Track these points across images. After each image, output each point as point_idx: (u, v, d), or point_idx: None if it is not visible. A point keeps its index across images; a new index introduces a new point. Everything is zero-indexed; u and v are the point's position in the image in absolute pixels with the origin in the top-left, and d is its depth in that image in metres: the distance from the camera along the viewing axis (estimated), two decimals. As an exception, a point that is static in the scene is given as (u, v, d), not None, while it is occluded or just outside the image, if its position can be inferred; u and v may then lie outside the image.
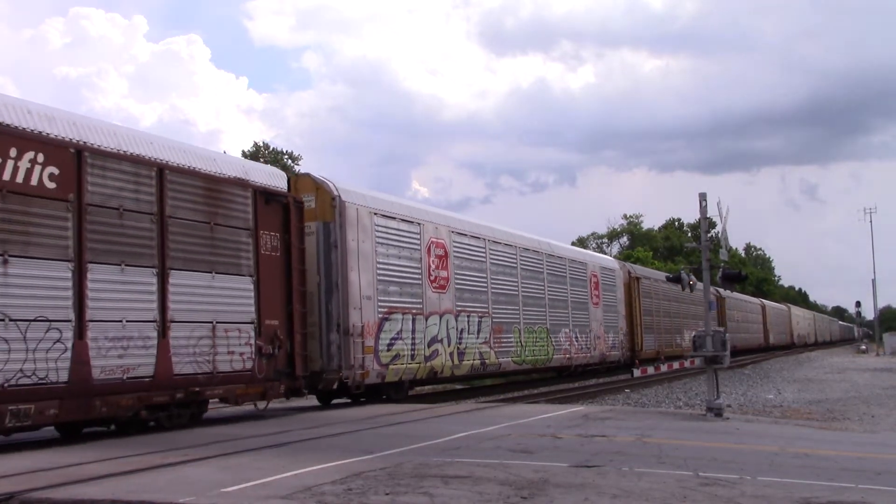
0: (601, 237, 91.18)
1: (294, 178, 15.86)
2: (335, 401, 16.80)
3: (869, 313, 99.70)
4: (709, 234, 14.49)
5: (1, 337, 9.40)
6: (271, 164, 37.85)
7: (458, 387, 23.62)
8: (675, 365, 16.14)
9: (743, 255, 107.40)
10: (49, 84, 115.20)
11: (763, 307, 62.03)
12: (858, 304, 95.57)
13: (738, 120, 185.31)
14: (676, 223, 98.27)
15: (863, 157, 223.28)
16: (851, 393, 22.05)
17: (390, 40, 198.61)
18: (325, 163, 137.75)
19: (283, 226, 13.96)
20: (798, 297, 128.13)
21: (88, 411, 10.47)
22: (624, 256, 67.64)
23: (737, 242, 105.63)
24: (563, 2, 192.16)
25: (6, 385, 9.35)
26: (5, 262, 9.58)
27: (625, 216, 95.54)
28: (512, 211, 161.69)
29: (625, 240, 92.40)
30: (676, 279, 16.07)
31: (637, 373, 15.80)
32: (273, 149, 56.16)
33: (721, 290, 46.15)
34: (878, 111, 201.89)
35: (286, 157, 55.47)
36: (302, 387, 14.48)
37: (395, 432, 10.93)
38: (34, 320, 9.76)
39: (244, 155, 51.28)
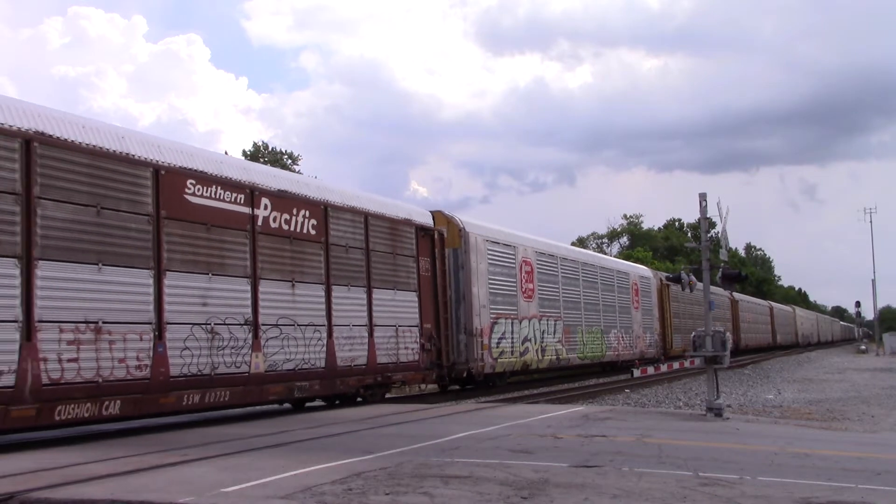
0: (601, 237, 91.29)
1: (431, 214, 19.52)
2: (451, 387, 21.03)
3: (869, 313, 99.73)
4: (709, 234, 14.49)
5: (293, 336, 13.70)
6: (271, 165, 37.87)
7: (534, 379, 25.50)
8: (675, 365, 16.15)
9: (743, 255, 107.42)
10: (47, 84, 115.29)
11: (771, 309, 65.57)
12: (858, 304, 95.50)
13: (736, 119, 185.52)
14: (676, 223, 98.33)
15: (862, 157, 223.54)
16: (851, 393, 22.05)
17: (387, 40, 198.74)
18: (324, 163, 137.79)
19: (432, 252, 18.10)
20: (798, 298, 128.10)
21: (333, 388, 14.84)
22: (624, 256, 67.70)
23: (736, 242, 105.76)
24: (561, 0, 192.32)
25: (296, 368, 13.73)
26: (293, 285, 13.89)
27: (625, 216, 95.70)
28: (511, 211, 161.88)
29: (625, 240, 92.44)
30: (676, 279, 16.07)
31: (637, 373, 15.78)
32: (273, 149, 56.21)
33: (734, 293, 50.75)
34: (878, 111, 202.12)
35: (286, 157, 55.51)
36: (446, 375, 18.95)
37: (396, 432, 10.93)
38: (308, 325, 14.05)
39: (244, 155, 51.30)
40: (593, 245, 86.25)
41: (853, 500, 6.41)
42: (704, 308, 14.58)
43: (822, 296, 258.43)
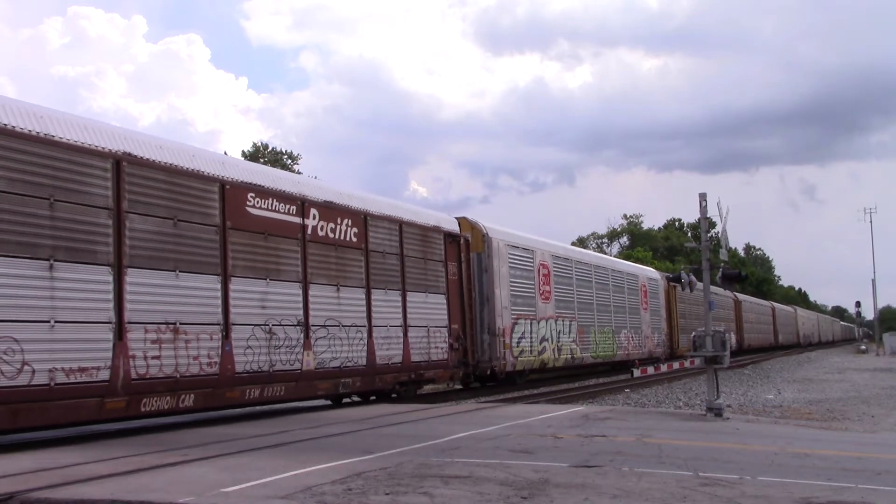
0: (601, 237, 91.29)
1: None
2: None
3: (869, 313, 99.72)
4: (709, 235, 14.49)
5: (339, 336, 14.94)
6: (271, 165, 37.90)
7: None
8: (675, 365, 16.14)
9: (743, 255, 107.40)
10: (46, 83, 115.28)
11: (773, 309, 66.56)
12: (858, 304, 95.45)
13: (736, 119, 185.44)
14: (676, 223, 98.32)
15: (862, 157, 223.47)
16: (851, 393, 22.04)
17: (387, 40, 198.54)
18: (324, 163, 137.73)
19: (458, 256, 19.29)
20: (798, 298, 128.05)
21: (372, 385, 16.10)
22: (624, 256, 67.73)
23: (736, 242, 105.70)
24: (560, 0, 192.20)
25: (341, 366, 14.94)
26: (338, 289, 15.11)
27: (625, 216, 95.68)
28: (511, 211, 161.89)
29: (625, 240, 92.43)
30: (676, 279, 16.06)
31: (637, 373, 15.78)
32: (272, 149, 56.21)
33: (738, 294, 52.49)
34: (877, 110, 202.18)
35: (286, 157, 55.51)
36: (472, 373, 20.10)
37: (396, 432, 10.93)
38: (351, 326, 15.33)
39: (243, 155, 51.31)
40: (593, 245, 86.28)
41: (853, 500, 6.41)
42: (704, 308, 14.57)
43: (822, 296, 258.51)
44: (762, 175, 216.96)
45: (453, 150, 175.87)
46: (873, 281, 71.49)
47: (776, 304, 71.96)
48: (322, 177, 52.80)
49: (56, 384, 9.94)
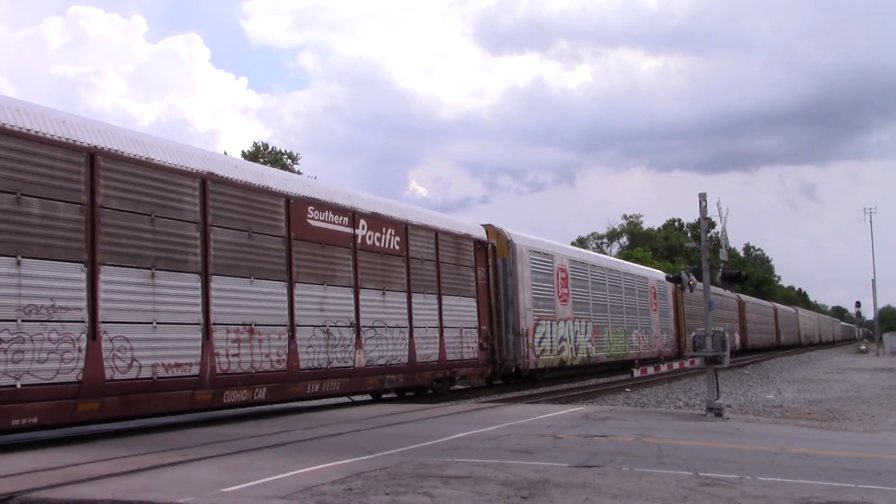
0: (601, 237, 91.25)
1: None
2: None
3: (869, 313, 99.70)
4: (708, 235, 14.48)
5: (384, 336, 16.41)
6: (271, 165, 37.93)
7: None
8: (675, 365, 16.14)
9: (742, 255, 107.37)
10: (46, 83, 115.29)
11: (775, 310, 68.05)
12: (858, 304, 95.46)
13: (735, 119, 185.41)
14: (676, 223, 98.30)
15: (861, 157, 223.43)
16: (851, 393, 22.04)
17: (386, 40, 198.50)
18: (323, 163, 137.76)
19: (486, 262, 20.88)
20: (798, 298, 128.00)
21: (413, 381, 17.60)
22: (623, 256, 67.75)
23: (736, 242, 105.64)
24: (559, 0, 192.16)
25: (387, 364, 16.42)
26: (383, 293, 16.61)
27: (624, 216, 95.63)
28: (511, 211, 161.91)
29: (624, 240, 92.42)
30: (676, 279, 16.06)
31: (637, 373, 15.78)
32: (272, 149, 56.18)
33: (741, 295, 54.25)
34: (877, 110, 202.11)
35: (286, 157, 55.49)
36: (499, 371, 21.51)
37: (396, 432, 10.94)
38: (395, 327, 16.80)
39: (243, 155, 51.29)
40: (593, 245, 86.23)
41: (853, 500, 6.41)
42: (704, 308, 14.57)
43: (822, 296, 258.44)
44: (762, 175, 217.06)
45: (453, 150, 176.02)
46: (873, 281, 71.55)
47: (778, 305, 73.18)
48: (322, 177, 52.83)
49: (158, 378, 11.35)
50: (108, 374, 10.63)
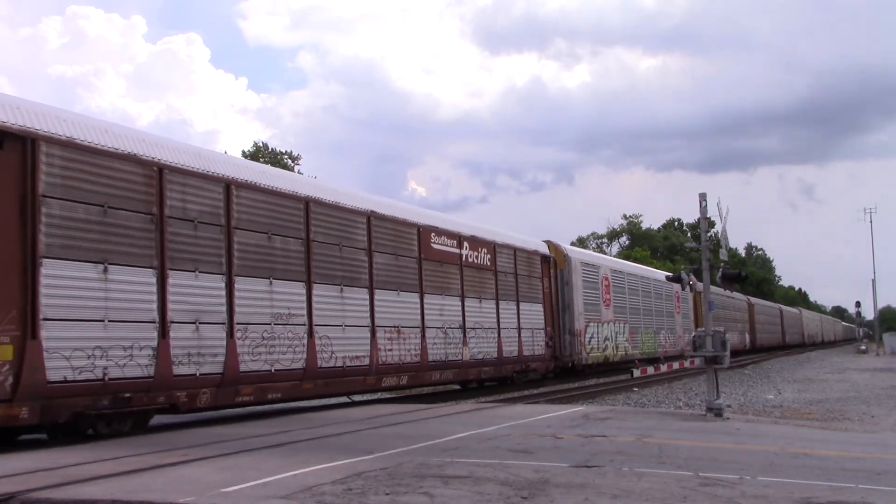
0: (601, 237, 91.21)
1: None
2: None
3: (869, 313, 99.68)
4: (708, 234, 14.48)
5: (481, 336, 20.19)
6: (271, 164, 37.86)
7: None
8: (675, 365, 16.13)
9: (743, 255, 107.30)
10: (45, 83, 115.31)
11: (781, 311, 71.42)
12: (858, 304, 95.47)
13: (734, 119, 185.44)
14: (676, 223, 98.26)
15: (860, 157, 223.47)
16: (851, 393, 22.03)
17: (384, 39, 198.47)
18: (323, 163, 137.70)
19: (548, 273, 24.98)
20: (798, 298, 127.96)
21: (500, 373, 21.49)
22: (623, 256, 67.76)
23: (736, 242, 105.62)
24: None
25: (483, 359, 20.25)
26: (480, 300, 20.48)
27: (624, 216, 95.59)
28: (510, 211, 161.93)
29: (624, 239, 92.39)
30: (677, 279, 16.05)
31: (637, 373, 15.77)
32: (273, 149, 56.14)
33: (750, 297, 57.83)
34: (876, 110, 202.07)
35: (286, 157, 55.46)
36: (559, 366, 25.36)
37: (396, 432, 10.93)
38: (488, 328, 20.78)
39: (244, 155, 51.24)
40: (593, 245, 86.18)
41: (853, 500, 6.41)
42: (704, 308, 14.57)
43: (822, 296, 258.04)
44: (760, 175, 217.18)
45: (451, 150, 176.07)
46: (873, 281, 71.55)
47: (784, 307, 75.97)
48: (321, 177, 52.87)
49: (346, 366, 15.26)
50: (319, 362, 14.52)
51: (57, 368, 9.99)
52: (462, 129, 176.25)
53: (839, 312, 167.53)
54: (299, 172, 47.55)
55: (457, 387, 21.43)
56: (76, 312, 10.35)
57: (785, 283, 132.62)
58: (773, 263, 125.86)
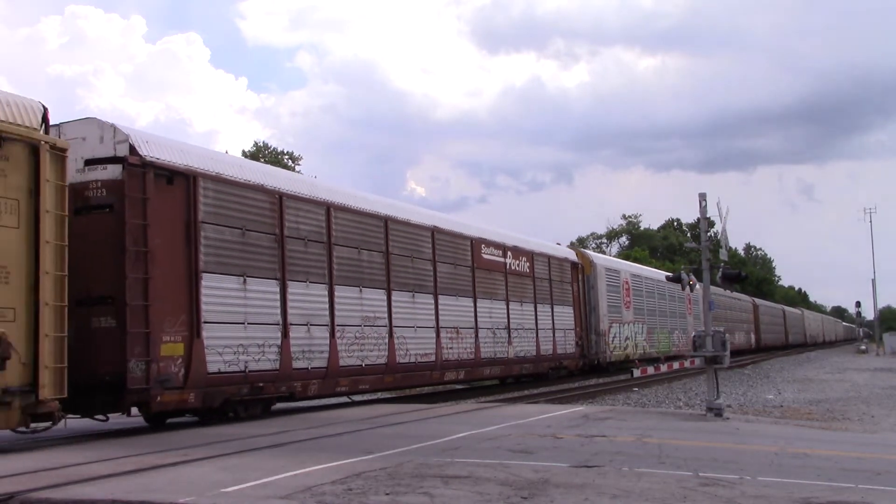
0: (600, 237, 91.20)
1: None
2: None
3: (869, 313, 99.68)
4: (708, 234, 14.47)
5: (522, 336, 22.55)
6: (272, 164, 37.88)
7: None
8: (675, 365, 16.13)
9: (743, 255, 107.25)
10: (44, 83, 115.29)
11: (784, 312, 73.29)
12: (858, 304, 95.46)
13: (733, 119, 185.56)
14: (675, 223, 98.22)
15: (860, 157, 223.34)
16: (851, 393, 22.04)
17: (382, 39, 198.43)
18: (322, 162, 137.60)
19: (576, 278, 27.38)
20: (798, 298, 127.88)
21: (538, 369, 24.12)
22: (623, 256, 67.74)
23: (736, 242, 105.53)
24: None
25: (524, 356, 22.62)
26: (521, 304, 22.83)
27: (624, 216, 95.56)
28: (510, 211, 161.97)
29: (624, 239, 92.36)
30: (676, 279, 16.06)
31: (637, 373, 15.77)
32: (273, 149, 56.13)
33: (755, 298, 60.14)
34: (875, 110, 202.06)
35: (286, 157, 55.45)
36: (587, 363, 27.57)
37: (396, 432, 10.93)
38: (528, 329, 23.15)
39: (244, 154, 51.23)
40: (593, 245, 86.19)
41: (853, 500, 6.41)
42: (703, 308, 14.57)
43: (822, 296, 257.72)
44: (760, 175, 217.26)
45: (450, 150, 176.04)
46: (873, 281, 71.65)
47: (786, 308, 77.22)
48: (320, 177, 52.79)
49: (417, 362, 17.44)
50: (397, 359, 16.63)
51: (214, 362, 12.18)
52: (461, 129, 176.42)
53: (839, 312, 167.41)
54: (299, 172, 47.53)
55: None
56: (226, 316, 12.55)
57: (785, 283, 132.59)
58: (773, 263, 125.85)
